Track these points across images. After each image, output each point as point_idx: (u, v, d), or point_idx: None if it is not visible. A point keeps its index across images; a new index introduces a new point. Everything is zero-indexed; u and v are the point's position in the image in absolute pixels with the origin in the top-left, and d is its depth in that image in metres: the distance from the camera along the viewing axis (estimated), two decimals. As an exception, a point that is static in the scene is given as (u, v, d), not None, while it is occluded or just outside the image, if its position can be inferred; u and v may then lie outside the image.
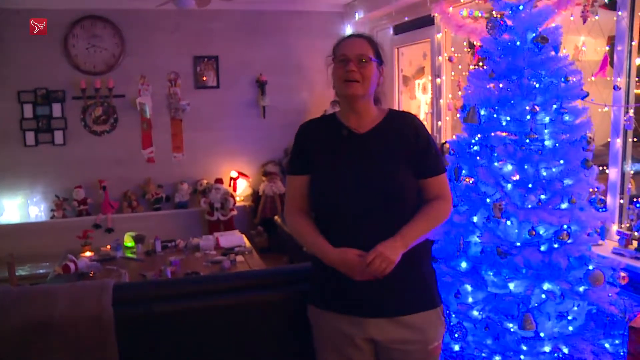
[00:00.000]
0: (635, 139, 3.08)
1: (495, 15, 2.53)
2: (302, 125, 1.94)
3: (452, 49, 4.73)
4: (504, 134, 2.45)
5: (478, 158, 2.45)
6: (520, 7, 2.40)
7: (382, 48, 1.86)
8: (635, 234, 2.94)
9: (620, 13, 3.01)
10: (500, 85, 2.44)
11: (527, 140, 2.34)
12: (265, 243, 5.99)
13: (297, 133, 1.94)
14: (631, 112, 2.97)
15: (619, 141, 3.07)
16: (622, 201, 3.11)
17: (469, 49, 4.60)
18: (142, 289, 1.97)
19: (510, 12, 2.44)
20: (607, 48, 3.12)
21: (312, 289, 1.94)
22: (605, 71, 3.13)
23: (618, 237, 2.95)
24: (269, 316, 2.01)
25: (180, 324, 1.90)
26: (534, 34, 2.39)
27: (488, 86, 2.51)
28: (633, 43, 2.98)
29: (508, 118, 2.40)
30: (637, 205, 3.01)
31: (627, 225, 3.08)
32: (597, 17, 3.12)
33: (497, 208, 2.33)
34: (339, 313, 1.82)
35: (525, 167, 2.37)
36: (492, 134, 2.52)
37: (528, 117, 2.34)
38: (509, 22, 2.44)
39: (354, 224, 1.77)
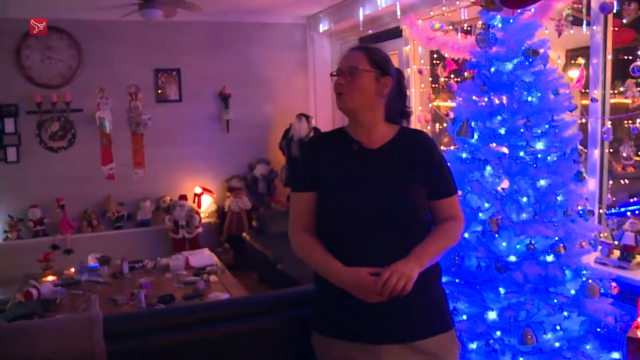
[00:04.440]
0: (611, 150, 3.14)
1: (483, 28, 2.52)
2: (310, 140, 1.90)
3: (422, 61, 4.74)
4: (496, 146, 2.43)
5: (476, 172, 2.41)
6: (511, 20, 2.40)
7: (385, 59, 1.79)
8: (616, 243, 2.99)
9: (595, 27, 3.08)
10: (493, 99, 2.42)
11: (522, 154, 2.33)
12: (231, 260, 5.82)
13: (305, 148, 1.89)
14: (608, 123, 3.02)
15: (596, 152, 3.12)
16: (601, 211, 3.16)
17: (438, 62, 4.63)
18: (134, 320, 1.82)
19: (500, 25, 2.44)
20: (583, 61, 3.18)
21: (316, 315, 1.84)
22: (581, 84, 3.19)
23: (600, 247, 2.99)
24: (270, 344, 1.90)
25: (178, 357, 1.77)
26: (524, 47, 2.39)
27: (478, 99, 2.50)
28: (609, 57, 3.05)
29: (502, 131, 2.38)
30: (607, 213, 3.08)
31: (606, 234, 3.14)
32: (572, 31, 3.18)
33: (494, 222, 2.30)
34: (348, 340, 1.72)
35: (519, 180, 2.36)
36: (478, 147, 2.51)
37: (522, 130, 2.33)
38: (499, 35, 2.43)
39: (364, 243, 1.69)
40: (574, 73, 3.36)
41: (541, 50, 2.40)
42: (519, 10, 2.38)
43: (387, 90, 1.79)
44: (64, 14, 5.22)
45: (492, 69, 2.46)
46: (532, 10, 2.56)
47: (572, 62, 3.55)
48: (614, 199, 3.20)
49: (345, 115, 1.83)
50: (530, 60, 2.37)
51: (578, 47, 3.52)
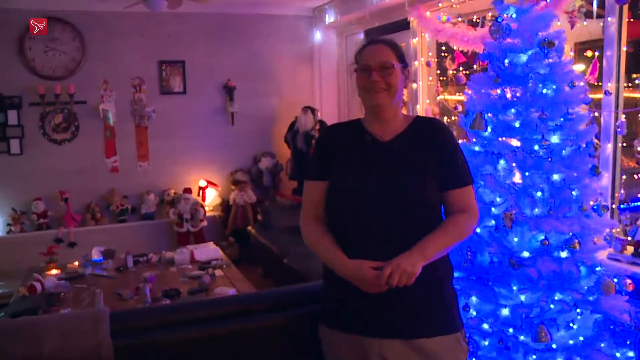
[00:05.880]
0: (624, 144, 3.08)
1: (496, 18, 2.47)
2: (326, 128, 1.88)
3: (430, 53, 4.68)
4: (510, 140, 2.37)
5: (489, 166, 2.36)
6: (527, 11, 2.34)
7: (404, 51, 1.77)
8: (630, 239, 2.94)
9: (609, 19, 3.01)
10: (507, 91, 2.37)
11: (536, 147, 2.28)
12: (236, 254, 5.78)
13: (319, 137, 1.88)
14: (622, 117, 2.96)
15: (609, 146, 3.06)
16: (614, 206, 3.10)
17: (446, 54, 4.56)
18: (141, 316, 1.79)
19: (514, 15, 2.38)
20: (597, 53, 3.12)
21: (324, 308, 1.82)
22: (594, 76, 3.12)
23: (613, 243, 2.94)
24: (279, 340, 1.87)
25: (186, 354, 1.73)
26: (539, 38, 2.33)
27: (491, 91, 2.44)
28: (623, 49, 2.98)
29: (517, 124, 2.33)
30: (620, 208, 3.02)
31: (618, 230, 3.08)
32: (585, 23, 3.12)
33: (507, 217, 2.25)
34: (352, 333, 1.71)
35: (533, 174, 2.31)
36: (491, 140, 2.46)
37: (537, 123, 2.27)
38: (513, 26, 2.38)
39: (371, 234, 1.67)
40: (579, 67, 3.30)
41: (556, 42, 2.34)
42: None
43: (408, 81, 1.80)
44: (68, 5, 5.17)
45: (506, 61, 2.40)
46: (548, 0, 2.49)
47: (584, 54, 3.49)
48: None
49: (371, 110, 1.77)
50: (546, 51, 2.31)
51: (586, 40, 3.45)
